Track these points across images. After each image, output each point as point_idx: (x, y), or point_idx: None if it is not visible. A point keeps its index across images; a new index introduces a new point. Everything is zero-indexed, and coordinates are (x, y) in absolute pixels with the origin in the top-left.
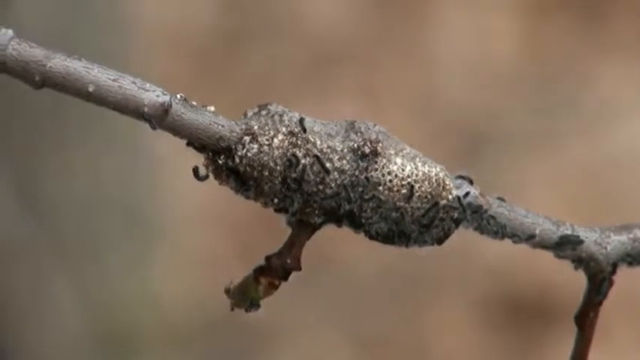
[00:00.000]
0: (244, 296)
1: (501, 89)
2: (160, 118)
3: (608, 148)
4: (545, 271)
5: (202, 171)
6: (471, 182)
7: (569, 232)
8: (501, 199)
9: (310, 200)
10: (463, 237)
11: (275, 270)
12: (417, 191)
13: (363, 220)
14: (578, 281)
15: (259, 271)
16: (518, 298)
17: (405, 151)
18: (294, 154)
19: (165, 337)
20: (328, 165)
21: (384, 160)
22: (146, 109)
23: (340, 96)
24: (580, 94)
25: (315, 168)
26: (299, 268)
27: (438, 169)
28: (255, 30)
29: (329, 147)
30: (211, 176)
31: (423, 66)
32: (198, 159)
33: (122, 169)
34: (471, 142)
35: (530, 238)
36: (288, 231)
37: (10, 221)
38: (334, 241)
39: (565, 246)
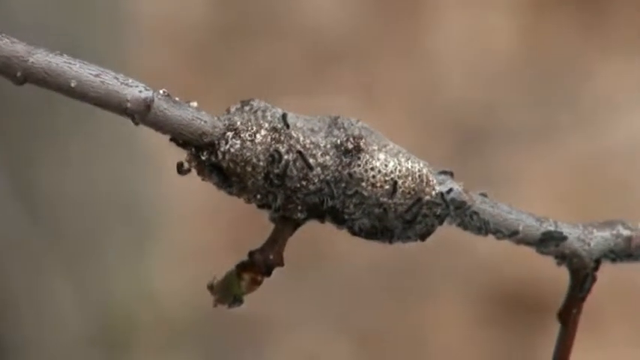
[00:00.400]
0: (227, 292)
1: (500, 85)
2: (142, 114)
3: (607, 143)
4: (540, 265)
5: (186, 166)
6: (451, 175)
7: (552, 228)
8: (484, 194)
9: (293, 196)
10: (458, 231)
11: (258, 266)
12: (400, 187)
13: (346, 216)
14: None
15: (242, 267)
16: (513, 292)
17: (388, 147)
18: (276, 150)
19: (162, 332)
20: (311, 161)
21: (367, 156)
22: (129, 105)
23: (338, 92)
24: (579, 90)
25: (298, 164)
26: (282, 264)
27: (421, 165)
28: (252, 25)
29: (312, 143)
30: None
31: (421, 62)
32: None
33: (117, 165)
34: (469, 138)
35: (513, 235)
36: None
37: (6, 219)
38: (328, 236)
39: (548, 242)
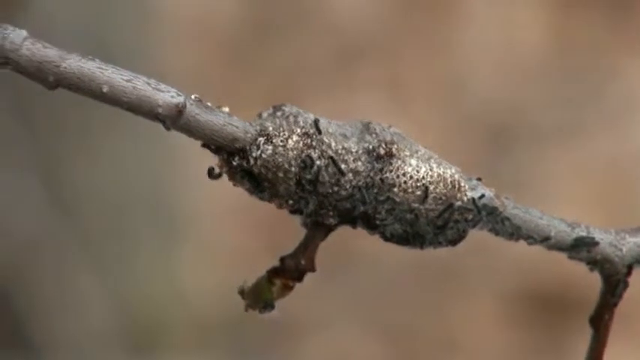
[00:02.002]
0: (258, 297)
1: (527, 82)
2: (174, 119)
3: (635, 141)
4: (572, 267)
5: (217, 171)
6: (479, 180)
7: (584, 233)
8: (507, 198)
9: (325, 202)
10: (486, 232)
11: (289, 271)
12: (431, 193)
13: (378, 222)
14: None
15: (273, 272)
16: (545, 293)
17: (419, 153)
18: (308, 156)
19: (191, 331)
20: (343, 166)
21: (399, 162)
22: (160, 110)
23: (366, 88)
24: (606, 87)
25: (329, 169)
26: (313, 269)
27: (452, 171)
28: (281, 22)
29: (344, 148)
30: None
31: (449, 58)
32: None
33: (148, 162)
34: (496, 135)
35: (545, 240)
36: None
37: (37, 216)
38: (359, 234)
39: (580, 248)
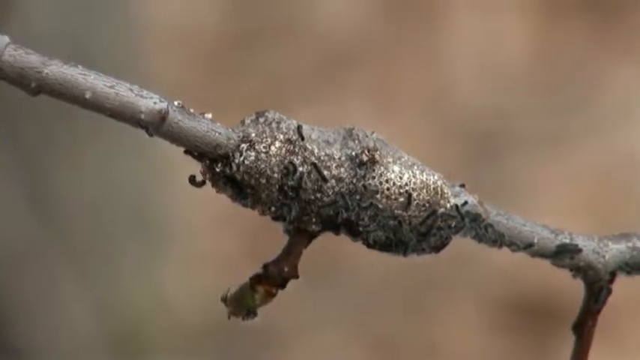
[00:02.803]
0: (241, 304)
1: (513, 90)
2: (156, 126)
3: (621, 149)
4: (555, 274)
5: (199, 178)
6: (463, 187)
7: (567, 240)
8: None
9: (308, 208)
10: (472, 241)
11: (272, 278)
12: (414, 199)
13: (361, 229)
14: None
15: (256, 279)
16: (528, 301)
17: (403, 159)
18: (291, 162)
19: (175, 339)
20: (326, 173)
21: (382, 168)
22: (143, 117)
23: (352, 97)
24: (592, 95)
25: (312, 176)
26: (296, 276)
27: (436, 177)
28: (267, 31)
29: (326, 155)
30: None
31: (435, 67)
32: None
33: (132, 171)
34: (483, 143)
35: (528, 247)
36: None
37: (21, 224)
38: (342, 242)
39: (563, 254)
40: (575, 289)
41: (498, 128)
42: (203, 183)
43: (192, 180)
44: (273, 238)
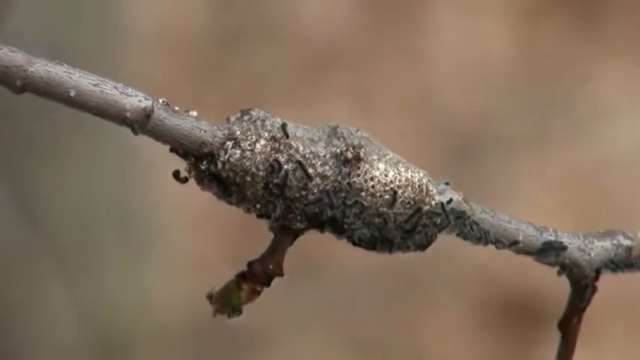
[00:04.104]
0: (226, 302)
1: (496, 91)
2: (142, 124)
3: (603, 150)
4: (540, 274)
5: (183, 175)
6: (447, 184)
7: (552, 238)
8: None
9: (292, 206)
10: (456, 239)
11: (257, 276)
12: (399, 197)
13: (346, 226)
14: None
15: (241, 277)
16: (513, 301)
17: (387, 157)
18: (276, 160)
19: (159, 341)
20: (311, 171)
21: (367, 166)
22: (128, 114)
23: (334, 98)
24: (575, 96)
25: (297, 174)
26: (281, 274)
27: (421, 175)
28: (248, 31)
29: (311, 152)
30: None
31: (417, 68)
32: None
33: (114, 172)
34: (465, 145)
35: (513, 244)
36: None
37: (4, 228)
38: (326, 244)
39: (548, 252)
40: (559, 289)
41: (480, 129)
42: (186, 180)
43: (176, 175)
44: (256, 239)
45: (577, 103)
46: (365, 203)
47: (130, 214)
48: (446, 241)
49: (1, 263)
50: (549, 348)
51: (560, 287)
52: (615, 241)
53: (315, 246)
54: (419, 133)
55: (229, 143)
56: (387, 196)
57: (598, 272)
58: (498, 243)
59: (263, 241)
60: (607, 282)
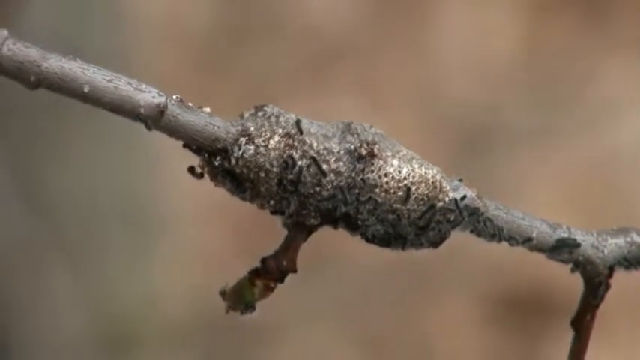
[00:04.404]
0: (239, 299)
1: (503, 86)
2: (155, 119)
3: (611, 145)
4: (548, 267)
5: (198, 171)
6: (460, 181)
7: (565, 235)
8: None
9: (306, 202)
10: (466, 234)
11: (271, 272)
12: (413, 193)
13: (360, 223)
14: (581, 278)
15: (254, 273)
16: (522, 296)
17: (401, 153)
18: (290, 156)
19: (165, 334)
20: (325, 167)
21: (381, 162)
22: (142, 110)
23: (340, 92)
24: (582, 91)
25: (311, 170)
26: (295, 270)
27: (434, 172)
28: (255, 26)
29: (325, 149)
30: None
31: (424, 62)
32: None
33: (122, 166)
34: (472, 139)
35: (526, 241)
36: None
37: (10, 220)
38: (336, 238)
39: (562, 249)
40: (569, 283)
41: (487, 123)
42: (202, 175)
43: (191, 171)
44: (264, 233)
45: (583, 97)
46: (379, 200)
47: (137, 207)
48: (457, 237)
49: (8, 256)
50: (557, 342)
51: (569, 282)
52: (629, 239)
53: (327, 241)
54: (425, 127)
55: (243, 139)
56: (400, 193)
57: (611, 269)
58: (512, 240)
59: (272, 235)
60: (618, 276)
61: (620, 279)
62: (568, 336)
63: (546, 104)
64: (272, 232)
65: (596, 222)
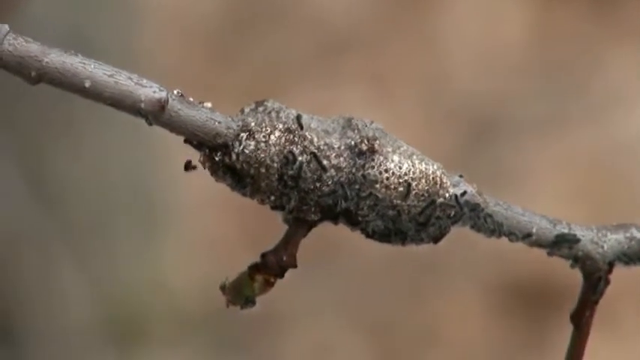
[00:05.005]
0: (239, 293)
1: (510, 75)
2: (156, 115)
3: (618, 135)
4: (553, 259)
5: (193, 164)
6: (461, 177)
7: (565, 230)
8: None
9: (307, 198)
10: None
11: (270, 267)
12: (414, 189)
13: (360, 218)
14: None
15: (254, 269)
16: (526, 284)
17: (402, 149)
18: (291, 151)
19: (173, 324)
20: (325, 162)
21: (381, 158)
22: (142, 105)
23: (348, 82)
24: (590, 81)
25: (312, 165)
26: (295, 265)
27: (435, 167)
28: (263, 16)
29: (326, 144)
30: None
31: (431, 52)
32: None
33: (130, 155)
34: (479, 129)
35: (526, 237)
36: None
37: (18, 208)
38: (341, 229)
39: (561, 244)
40: (573, 273)
41: (494, 114)
42: (194, 168)
43: (186, 166)
44: (272, 222)
45: (592, 87)
46: (379, 195)
47: (145, 195)
48: (462, 228)
49: (16, 246)
50: (563, 332)
51: (574, 272)
52: (628, 234)
53: (331, 230)
54: (433, 117)
55: (244, 135)
56: (401, 188)
57: (611, 265)
58: (512, 235)
59: (279, 224)
60: (623, 268)
61: (626, 270)
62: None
63: (554, 93)
64: (277, 220)
65: (601, 212)
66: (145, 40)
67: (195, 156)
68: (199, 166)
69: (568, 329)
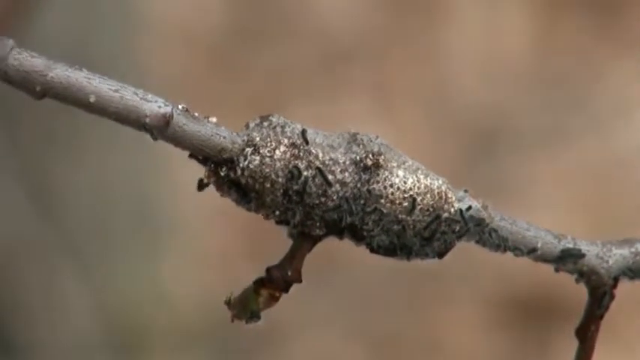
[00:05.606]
0: (244, 308)
1: (513, 86)
2: (161, 129)
3: (621, 146)
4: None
5: (205, 182)
6: (466, 192)
7: (570, 245)
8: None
9: (312, 212)
10: None
11: (275, 282)
12: (419, 204)
13: (365, 233)
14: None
15: (259, 283)
16: (529, 298)
17: (407, 164)
18: (296, 166)
19: (174, 335)
20: (330, 177)
21: (386, 173)
22: (147, 120)
23: (352, 93)
24: (592, 92)
25: (317, 180)
26: (300, 280)
27: (440, 182)
28: (266, 27)
29: (331, 159)
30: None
31: (435, 63)
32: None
33: (132, 166)
34: (482, 140)
35: (531, 252)
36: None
37: (21, 219)
38: (344, 241)
39: (566, 259)
40: (577, 288)
41: (497, 125)
42: (207, 185)
43: (200, 185)
44: (275, 236)
45: (595, 98)
46: (384, 210)
47: (147, 207)
48: (466, 241)
49: (18, 257)
50: (564, 345)
51: (577, 287)
52: (633, 249)
53: (336, 244)
54: (436, 128)
55: (249, 149)
56: (406, 203)
57: (616, 280)
58: (517, 250)
59: (281, 237)
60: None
61: (630, 283)
62: (576, 341)
63: (555, 106)
64: (280, 233)
65: (604, 224)
66: (150, 53)
67: (198, 165)
68: (205, 184)
69: (569, 342)
